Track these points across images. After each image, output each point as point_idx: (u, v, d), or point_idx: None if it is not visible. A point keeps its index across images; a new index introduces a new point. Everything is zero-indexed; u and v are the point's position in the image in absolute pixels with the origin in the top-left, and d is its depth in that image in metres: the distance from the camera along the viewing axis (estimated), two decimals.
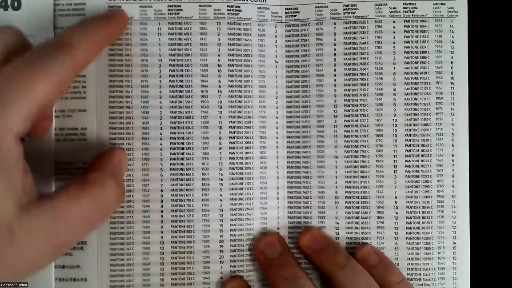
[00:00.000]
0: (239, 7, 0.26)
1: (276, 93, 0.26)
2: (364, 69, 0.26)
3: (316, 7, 0.26)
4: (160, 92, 0.25)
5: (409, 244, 0.26)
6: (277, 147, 0.26)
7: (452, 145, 0.25)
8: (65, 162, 0.25)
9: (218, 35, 0.25)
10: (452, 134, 0.25)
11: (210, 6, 0.25)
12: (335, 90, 0.26)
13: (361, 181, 0.26)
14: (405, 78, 0.26)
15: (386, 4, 0.26)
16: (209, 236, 0.25)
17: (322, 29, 0.26)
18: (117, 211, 0.25)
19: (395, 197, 0.26)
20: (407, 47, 0.26)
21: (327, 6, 0.26)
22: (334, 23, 0.26)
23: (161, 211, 0.25)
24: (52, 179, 0.25)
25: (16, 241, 0.17)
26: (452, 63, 0.26)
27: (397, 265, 0.25)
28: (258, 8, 0.26)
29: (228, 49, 0.26)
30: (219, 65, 0.25)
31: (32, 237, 0.17)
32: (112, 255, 0.25)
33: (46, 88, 0.18)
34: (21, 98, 0.17)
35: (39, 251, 0.18)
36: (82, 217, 0.19)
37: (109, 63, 0.25)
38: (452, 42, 0.26)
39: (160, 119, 0.25)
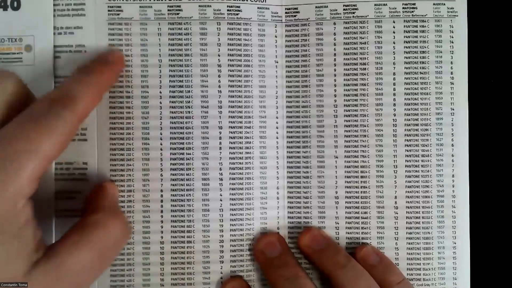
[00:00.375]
0: (239, 7, 0.26)
1: (276, 93, 0.26)
2: (364, 69, 0.26)
3: (316, 7, 0.26)
4: (160, 92, 0.25)
5: (409, 244, 0.26)
6: (277, 147, 0.26)
7: (452, 145, 0.25)
8: (65, 168, 0.25)
9: (218, 35, 0.25)
10: (452, 134, 0.25)
11: (210, 6, 0.25)
12: (335, 90, 0.26)
13: (361, 181, 0.26)
14: (405, 78, 0.26)
15: (386, 4, 0.26)
16: (209, 236, 0.25)
17: (322, 29, 0.26)
18: None
19: (395, 197, 0.26)
20: (406, 47, 0.26)
21: (327, 6, 0.26)
22: (334, 23, 0.26)
23: (161, 211, 0.25)
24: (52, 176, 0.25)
25: None
26: (452, 63, 0.26)
27: (397, 265, 0.25)
28: (258, 8, 0.26)
29: (228, 49, 0.26)
30: (219, 65, 0.25)
31: None
32: None
33: (52, 147, 0.18)
34: (30, 161, 0.17)
35: None
36: (90, 264, 0.19)
37: None
38: (452, 42, 0.26)
39: (160, 119, 0.25)
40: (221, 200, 0.25)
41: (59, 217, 0.25)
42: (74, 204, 0.25)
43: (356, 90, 0.26)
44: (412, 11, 0.26)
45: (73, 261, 0.18)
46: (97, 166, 0.25)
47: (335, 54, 0.26)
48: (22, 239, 0.17)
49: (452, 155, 0.25)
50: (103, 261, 0.20)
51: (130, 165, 0.25)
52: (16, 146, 0.17)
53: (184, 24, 0.25)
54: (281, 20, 0.26)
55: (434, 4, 0.26)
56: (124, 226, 0.21)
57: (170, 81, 0.25)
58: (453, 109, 0.26)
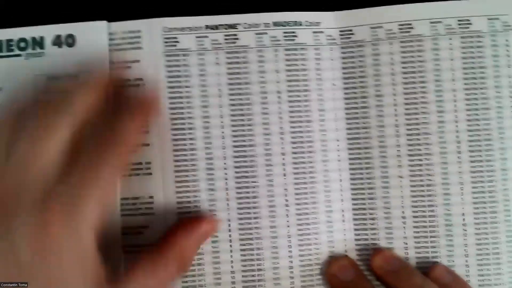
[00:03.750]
0: (294, 32, 0.26)
1: (336, 115, 0.26)
2: (424, 87, 0.26)
3: (371, 27, 0.26)
4: (222, 122, 0.25)
5: (479, 260, 0.25)
6: (339, 169, 0.26)
7: None
8: (132, 203, 0.25)
9: (276, 62, 0.25)
10: None
11: (267, 33, 0.25)
12: (395, 110, 0.26)
13: (427, 200, 0.25)
14: (465, 94, 0.26)
15: (441, 22, 0.26)
16: (278, 263, 0.25)
17: (378, 49, 0.26)
18: None
19: (463, 214, 0.25)
20: (465, 63, 0.26)
21: (382, 27, 0.26)
22: (390, 43, 0.26)
23: (230, 241, 0.25)
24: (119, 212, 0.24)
25: None
26: (509, 76, 0.26)
27: (468, 282, 0.25)
28: (313, 32, 0.26)
29: (286, 75, 0.26)
30: (279, 92, 0.25)
31: None
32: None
33: (112, 180, 0.20)
34: (93, 194, 0.18)
35: None
36: None
37: (169, 96, 0.25)
38: (509, 56, 0.26)
39: (223, 149, 0.25)
40: (288, 227, 0.25)
41: (128, 252, 0.25)
42: (142, 239, 0.25)
43: (416, 108, 0.26)
44: (467, 27, 0.26)
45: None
46: (163, 199, 0.25)
47: (393, 74, 0.26)
48: (90, 275, 0.18)
49: None
50: None
51: (197, 196, 0.25)
52: (84, 181, 0.18)
53: (242, 52, 0.25)
54: (336, 43, 0.26)
55: (488, 19, 0.26)
56: (177, 273, 0.22)
57: (231, 110, 0.25)
58: None
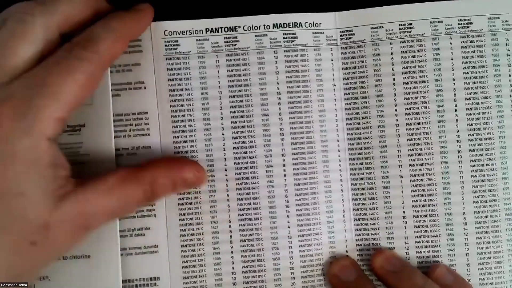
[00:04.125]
0: (294, 34, 0.26)
1: (336, 116, 0.26)
2: (424, 87, 0.26)
3: (371, 28, 0.26)
4: (222, 124, 0.25)
5: (480, 259, 0.25)
6: (340, 170, 0.26)
7: None
8: None
9: (276, 63, 0.26)
10: None
11: (266, 35, 0.25)
12: (395, 110, 0.26)
13: (428, 200, 0.26)
14: (465, 93, 0.26)
15: (442, 21, 0.26)
16: (279, 264, 0.25)
17: (378, 49, 0.26)
18: (188, 244, 0.25)
19: (464, 213, 0.25)
20: (465, 63, 0.26)
21: (382, 27, 0.26)
22: (391, 43, 0.26)
23: (231, 242, 0.25)
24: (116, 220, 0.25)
25: (50, 233, 0.18)
26: (510, 75, 0.26)
27: (470, 281, 0.25)
28: (313, 33, 0.26)
29: (286, 77, 0.26)
30: (279, 93, 0.26)
31: (64, 227, 0.19)
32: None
33: (74, 91, 0.19)
34: (50, 104, 0.18)
35: (70, 237, 0.20)
36: (111, 211, 0.21)
37: (171, 99, 0.25)
38: (509, 55, 0.26)
39: (224, 150, 0.25)
40: (289, 227, 0.25)
41: (129, 255, 0.25)
42: (144, 241, 0.25)
43: (417, 108, 0.26)
44: (468, 27, 0.26)
45: (100, 201, 0.20)
46: (164, 200, 0.25)
47: (393, 74, 0.26)
48: (48, 178, 0.18)
49: None
50: (122, 212, 0.21)
51: (197, 197, 0.25)
52: (36, 89, 0.18)
53: (242, 54, 0.25)
54: (337, 43, 0.26)
55: (488, 18, 0.26)
56: (144, 200, 0.22)
57: (231, 111, 0.25)
58: None
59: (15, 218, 0.18)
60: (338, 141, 0.26)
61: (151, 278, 0.25)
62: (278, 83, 0.26)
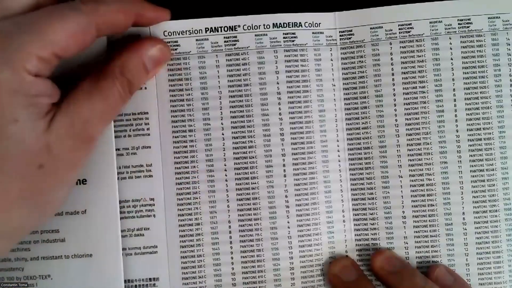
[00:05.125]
0: (294, 33, 0.26)
1: (336, 116, 0.26)
2: (423, 87, 0.26)
3: (370, 28, 0.26)
4: (222, 124, 0.25)
5: (479, 259, 0.26)
6: (339, 170, 0.26)
7: None
8: (132, 200, 0.25)
9: (276, 63, 0.26)
10: None
11: (266, 35, 0.25)
12: (395, 110, 0.26)
13: (427, 199, 0.26)
14: (465, 93, 0.26)
15: (441, 21, 0.26)
16: (279, 265, 0.25)
17: (378, 49, 0.26)
18: (187, 244, 0.25)
19: (463, 213, 0.26)
20: (465, 63, 0.26)
21: (382, 27, 0.26)
22: (390, 43, 0.26)
23: (230, 242, 0.25)
24: (118, 219, 0.25)
25: (54, 152, 0.19)
26: (510, 75, 0.26)
27: (469, 281, 0.25)
28: (312, 33, 0.26)
29: (286, 76, 0.26)
30: (279, 93, 0.26)
31: (64, 143, 0.20)
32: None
33: (61, 36, 0.19)
34: (32, 40, 0.18)
35: (74, 152, 0.20)
36: (100, 113, 0.21)
37: (171, 99, 0.25)
38: (509, 55, 0.26)
39: (224, 150, 0.25)
40: (288, 228, 0.25)
41: (129, 255, 0.25)
42: (143, 241, 0.25)
43: (416, 108, 0.26)
44: (468, 26, 0.26)
45: (87, 108, 0.20)
46: (164, 201, 0.25)
47: (393, 74, 0.26)
48: (37, 105, 0.19)
49: None
50: (111, 111, 0.22)
51: (197, 198, 0.25)
52: (23, 28, 0.19)
53: (242, 54, 0.25)
54: (336, 43, 0.26)
55: (489, 18, 0.26)
56: (122, 94, 0.22)
57: (231, 111, 0.25)
58: None
59: (16, 144, 0.18)
60: (338, 141, 0.26)
61: (150, 279, 0.25)
62: (278, 83, 0.26)
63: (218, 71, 0.25)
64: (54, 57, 0.19)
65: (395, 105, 0.26)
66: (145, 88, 0.25)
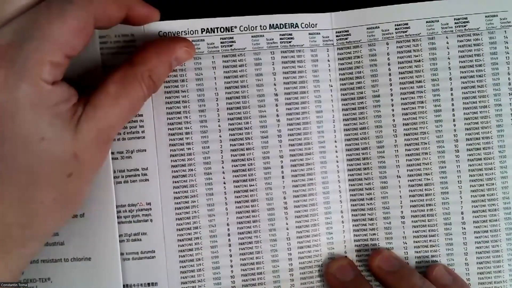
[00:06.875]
0: (291, 34, 0.25)
1: (333, 117, 0.26)
2: (421, 86, 0.25)
3: (367, 28, 0.26)
4: (219, 125, 0.25)
5: (478, 258, 0.25)
6: (338, 171, 0.26)
7: None
8: (128, 204, 0.25)
9: (273, 64, 0.25)
10: None
11: (263, 36, 0.25)
12: (392, 110, 0.26)
13: (426, 199, 0.25)
14: (462, 92, 0.26)
15: (438, 21, 0.25)
16: (278, 266, 0.25)
17: (375, 50, 0.26)
18: (185, 248, 0.25)
19: (462, 213, 0.25)
20: (462, 62, 0.26)
21: (378, 27, 0.26)
22: (387, 43, 0.26)
23: (229, 245, 0.25)
24: (115, 223, 0.24)
25: (80, 160, 0.19)
26: (509, 74, 0.26)
27: (468, 281, 0.25)
28: (309, 34, 0.26)
29: (283, 78, 0.25)
30: (276, 94, 0.25)
31: (89, 150, 0.20)
32: None
33: (64, 34, 0.18)
34: (40, 47, 0.17)
35: (98, 156, 0.21)
36: (124, 115, 0.21)
37: (166, 101, 0.25)
38: (507, 53, 0.26)
39: (221, 152, 0.25)
40: (287, 229, 0.25)
41: (126, 259, 0.25)
42: (140, 246, 0.25)
43: (414, 108, 0.26)
44: (465, 25, 0.26)
45: (113, 114, 0.20)
46: (161, 205, 0.25)
47: (390, 74, 0.26)
48: (60, 115, 0.18)
49: None
50: (133, 113, 0.22)
51: (195, 201, 0.25)
52: (26, 34, 0.18)
53: (238, 55, 0.25)
54: (333, 44, 0.26)
55: (486, 16, 0.26)
56: (146, 95, 0.22)
57: (228, 113, 0.25)
58: None
59: (46, 160, 0.18)
60: (336, 141, 0.26)
61: (148, 284, 0.24)
62: (275, 84, 0.25)
63: (214, 72, 0.25)
64: (66, 59, 0.19)
65: (392, 105, 0.26)
66: None
